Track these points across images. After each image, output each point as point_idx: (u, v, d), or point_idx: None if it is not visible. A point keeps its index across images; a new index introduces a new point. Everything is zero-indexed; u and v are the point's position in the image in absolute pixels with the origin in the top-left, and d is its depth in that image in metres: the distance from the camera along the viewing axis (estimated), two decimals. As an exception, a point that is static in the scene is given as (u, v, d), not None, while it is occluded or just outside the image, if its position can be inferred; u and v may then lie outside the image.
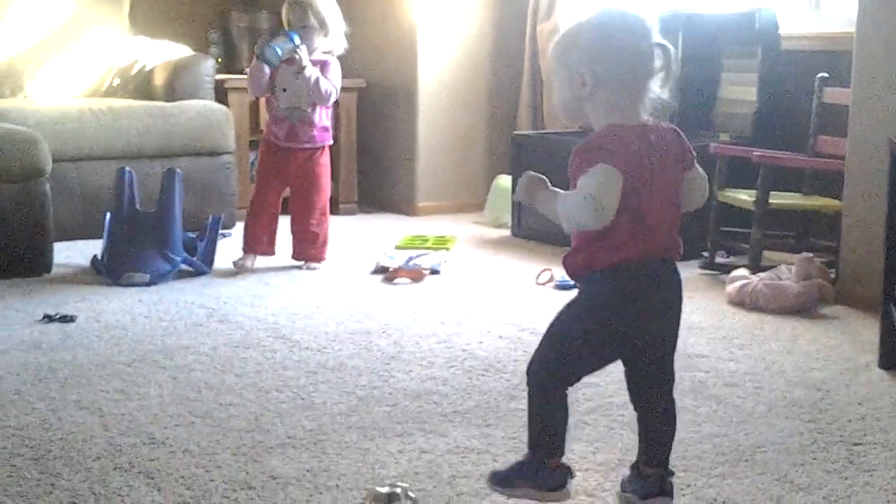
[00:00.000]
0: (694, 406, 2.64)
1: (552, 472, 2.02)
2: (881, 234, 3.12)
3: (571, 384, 2.03)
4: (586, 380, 2.80)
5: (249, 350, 3.10)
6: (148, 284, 3.87)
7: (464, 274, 4.14)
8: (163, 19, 5.69)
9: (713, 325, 3.41)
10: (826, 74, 4.14)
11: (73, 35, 5.27)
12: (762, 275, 3.73)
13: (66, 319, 3.38)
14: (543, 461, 2.02)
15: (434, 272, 4.12)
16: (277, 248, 4.24)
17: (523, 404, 2.47)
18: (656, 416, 2.06)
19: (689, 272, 4.15)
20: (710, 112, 4.63)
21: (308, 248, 4.21)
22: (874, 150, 3.56)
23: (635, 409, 2.09)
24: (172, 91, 4.92)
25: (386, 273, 4.08)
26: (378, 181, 5.74)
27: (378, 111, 5.68)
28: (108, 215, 4.08)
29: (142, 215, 4.06)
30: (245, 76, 4.45)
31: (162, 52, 5.21)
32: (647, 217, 1.96)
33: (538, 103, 5.34)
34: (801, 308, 3.57)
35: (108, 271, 3.94)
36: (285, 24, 4.14)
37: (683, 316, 3.39)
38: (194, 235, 4.18)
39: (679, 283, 2.07)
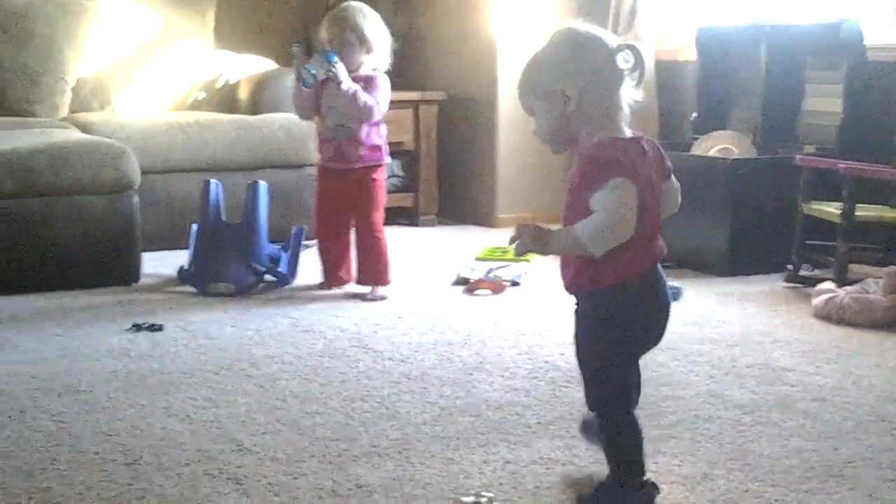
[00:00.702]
0: (781, 420, 2.62)
1: (639, 493, 2.05)
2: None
3: (634, 403, 2.10)
4: (670, 392, 2.81)
5: (333, 360, 3.14)
6: (233, 294, 3.93)
7: (544, 286, 4.14)
8: (247, 33, 5.78)
9: (799, 339, 3.37)
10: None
11: (159, 49, 5.38)
12: (848, 288, 3.67)
13: (154, 328, 3.45)
14: (628, 483, 2.05)
15: (515, 284, 4.13)
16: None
17: (608, 416, 2.47)
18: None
19: (773, 285, 4.11)
20: (793, 124, 4.58)
21: (370, 273, 3.97)
22: (965, 161, 3.50)
23: None
24: (256, 104, 5.00)
25: (467, 284, 4.10)
26: (458, 193, 5.77)
27: (458, 123, 5.71)
28: (195, 226, 4.16)
29: (227, 226, 4.13)
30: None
31: (246, 66, 5.30)
32: (650, 229, 2.01)
33: (619, 115, 5.32)
34: (890, 322, 3.51)
35: (194, 281, 4.01)
36: (325, 41, 3.94)
37: (769, 329, 3.38)
38: (278, 247, 4.23)
39: (666, 287, 2.12)
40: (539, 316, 3.67)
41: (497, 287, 4.04)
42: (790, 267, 4.14)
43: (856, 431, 2.55)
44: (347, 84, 3.81)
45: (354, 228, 4.00)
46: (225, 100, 5.21)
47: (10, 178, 3.89)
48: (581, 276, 2.03)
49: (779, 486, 2.22)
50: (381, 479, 2.26)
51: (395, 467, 2.32)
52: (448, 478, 2.26)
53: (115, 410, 2.68)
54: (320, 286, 4.06)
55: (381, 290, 3.94)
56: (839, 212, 3.86)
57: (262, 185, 4.16)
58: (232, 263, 4.03)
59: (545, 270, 4.42)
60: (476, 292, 4.02)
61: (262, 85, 5.06)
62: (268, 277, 4.07)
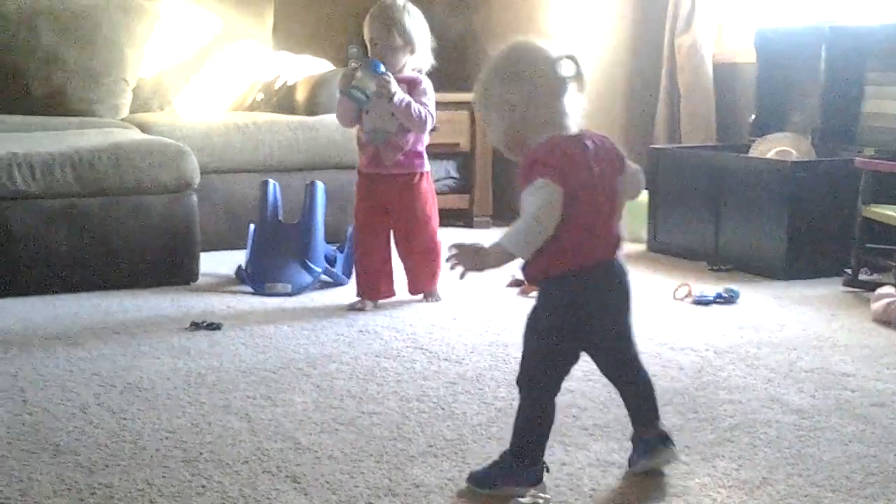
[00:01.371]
0: (840, 425, 2.59)
1: (529, 470, 2.18)
2: None
3: (557, 391, 2.22)
4: (727, 396, 2.79)
5: (389, 360, 3.15)
6: (290, 294, 3.97)
7: (600, 288, 4.13)
8: (304, 34, 5.82)
9: (858, 343, 3.34)
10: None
11: (218, 50, 5.43)
12: (909, 292, 3.63)
13: (213, 327, 3.49)
14: (525, 463, 2.18)
15: (570, 286, 4.12)
16: (396, 284, 3.91)
17: (664, 419, 2.47)
18: (631, 383, 2.29)
19: (831, 289, 4.07)
20: (853, 126, 4.53)
21: (421, 284, 3.88)
22: None
23: (614, 385, 2.33)
24: (314, 106, 5.03)
25: (521, 286, 4.10)
26: (512, 194, 5.76)
27: (513, 125, 5.69)
28: (252, 226, 4.20)
29: (285, 227, 4.16)
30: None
31: (304, 67, 5.33)
32: (592, 223, 2.12)
33: (675, 117, 5.29)
34: (951, 327, 3.47)
35: (251, 281, 4.05)
36: (367, 40, 3.77)
37: (827, 333, 3.34)
38: (335, 247, 4.26)
39: (625, 274, 2.20)
40: (595, 318, 3.66)
41: (552, 289, 4.03)
42: (849, 271, 4.10)
43: (917, 438, 2.53)
44: (400, 96, 3.65)
45: (405, 238, 3.84)
46: (283, 101, 5.25)
47: (72, 177, 3.96)
48: (531, 268, 2.19)
49: (838, 492, 2.20)
50: (437, 478, 2.27)
51: (452, 467, 2.33)
52: (504, 479, 2.27)
53: (175, 408, 2.72)
54: (353, 306, 3.79)
55: (436, 292, 3.92)
56: (900, 215, 3.82)
57: (320, 185, 4.19)
58: (289, 264, 4.06)
59: (600, 272, 4.41)
60: (530, 294, 4.01)
61: (319, 86, 5.09)
62: (324, 278, 4.10)
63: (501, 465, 2.20)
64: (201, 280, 4.16)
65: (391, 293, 3.88)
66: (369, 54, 3.78)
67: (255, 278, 4.05)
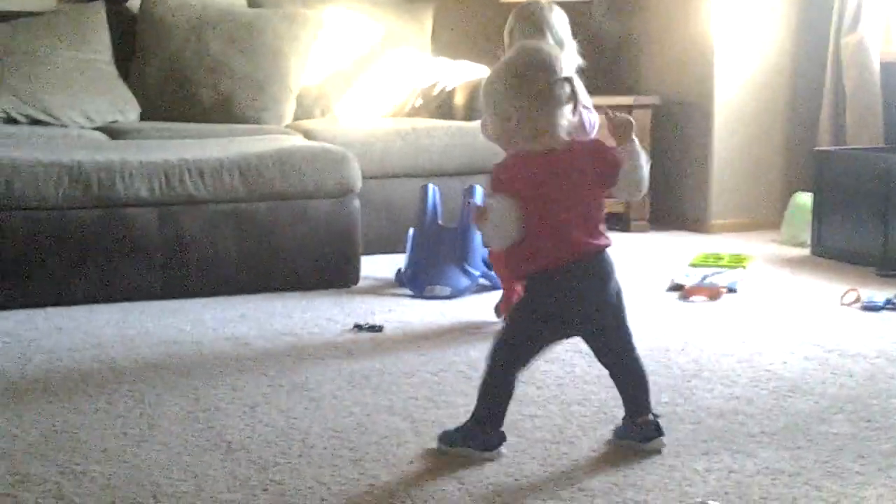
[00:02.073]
0: None
1: (489, 436, 2.40)
2: None
3: (516, 370, 2.42)
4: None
5: (548, 363, 3.15)
6: (448, 297, 4.00)
7: (762, 293, 4.05)
8: (462, 39, 5.86)
9: None
10: None
11: (378, 57, 5.51)
12: None
13: (375, 329, 3.55)
14: (486, 430, 2.39)
15: (731, 291, 4.05)
16: None
17: (836, 427, 2.42)
18: (624, 371, 2.47)
19: None
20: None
21: None
22: None
23: (610, 374, 2.49)
24: (472, 111, 5.06)
25: (681, 291, 4.05)
26: (670, 198, 5.69)
27: (672, 127, 5.63)
28: (412, 230, 4.25)
29: (443, 231, 4.20)
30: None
31: (461, 73, 5.37)
32: (557, 229, 2.33)
33: (841, 118, 5.15)
34: None
35: (410, 284, 4.10)
36: (510, 43, 3.63)
37: None
38: (492, 251, 4.28)
39: (602, 274, 2.40)
40: (757, 323, 3.60)
41: (713, 293, 3.97)
42: None
43: None
44: None
45: None
46: (441, 106, 5.29)
47: (240, 182, 4.07)
48: (508, 269, 2.55)
49: None
50: (602, 483, 2.26)
51: (616, 472, 2.32)
52: (671, 484, 2.25)
53: (341, 408, 2.77)
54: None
55: None
56: None
57: (479, 189, 4.22)
58: (448, 267, 4.10)
59: (762, 277, 4.33)
60: (691, 298, 3.97)
61: (476, 91, 5.11)
62: (481, 281, 4.12)
63: (465, 429, 2.42)
64: (362, 283, 4.23)
65: None
66: None
67: (414, 281, 4.10)
